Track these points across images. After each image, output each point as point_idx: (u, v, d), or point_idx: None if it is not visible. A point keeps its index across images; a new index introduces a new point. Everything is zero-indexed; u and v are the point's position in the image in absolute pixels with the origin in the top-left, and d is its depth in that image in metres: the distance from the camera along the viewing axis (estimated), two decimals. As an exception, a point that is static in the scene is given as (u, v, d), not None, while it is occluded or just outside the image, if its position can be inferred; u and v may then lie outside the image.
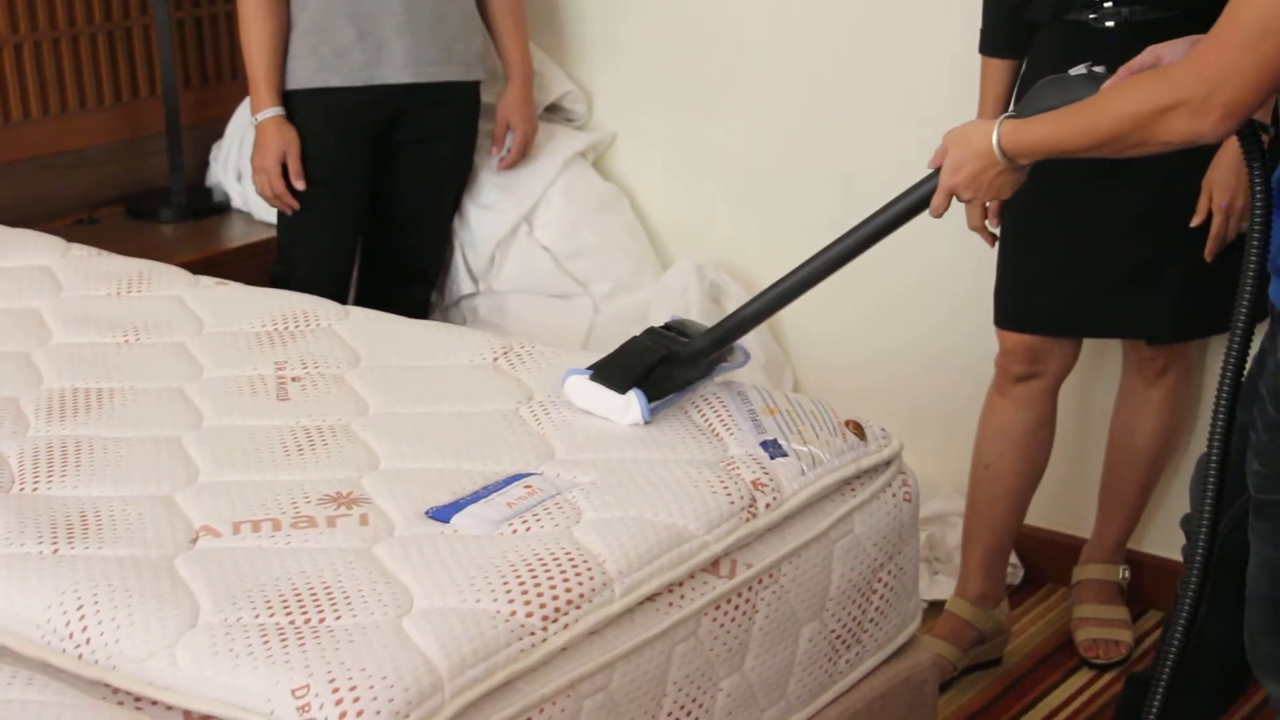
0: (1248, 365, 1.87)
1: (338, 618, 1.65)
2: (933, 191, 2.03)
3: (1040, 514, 3.04)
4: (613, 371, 2.13)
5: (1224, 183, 2.49)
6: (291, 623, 1.64)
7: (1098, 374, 3.04)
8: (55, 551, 1.79)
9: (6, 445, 2.08)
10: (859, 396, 3.03)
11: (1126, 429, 2.89)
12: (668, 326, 2.21)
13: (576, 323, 3.39)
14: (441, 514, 1.87)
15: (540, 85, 3.48)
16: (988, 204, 2.66)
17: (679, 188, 3.52)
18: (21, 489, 1.97)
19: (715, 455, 2.03)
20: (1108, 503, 2.96)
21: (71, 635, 1.67)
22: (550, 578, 1.72)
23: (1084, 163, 2.48)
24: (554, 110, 3.58)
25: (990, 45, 2.71)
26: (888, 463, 2.14)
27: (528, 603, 1.69)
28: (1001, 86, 2.71)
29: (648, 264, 3.49)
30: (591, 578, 1.75)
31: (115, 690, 1.63)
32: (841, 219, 2.25)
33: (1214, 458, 1.85)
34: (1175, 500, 3.05)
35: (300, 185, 3.17)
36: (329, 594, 1.69)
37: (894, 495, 2.13)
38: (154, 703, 1.61)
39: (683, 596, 1.83)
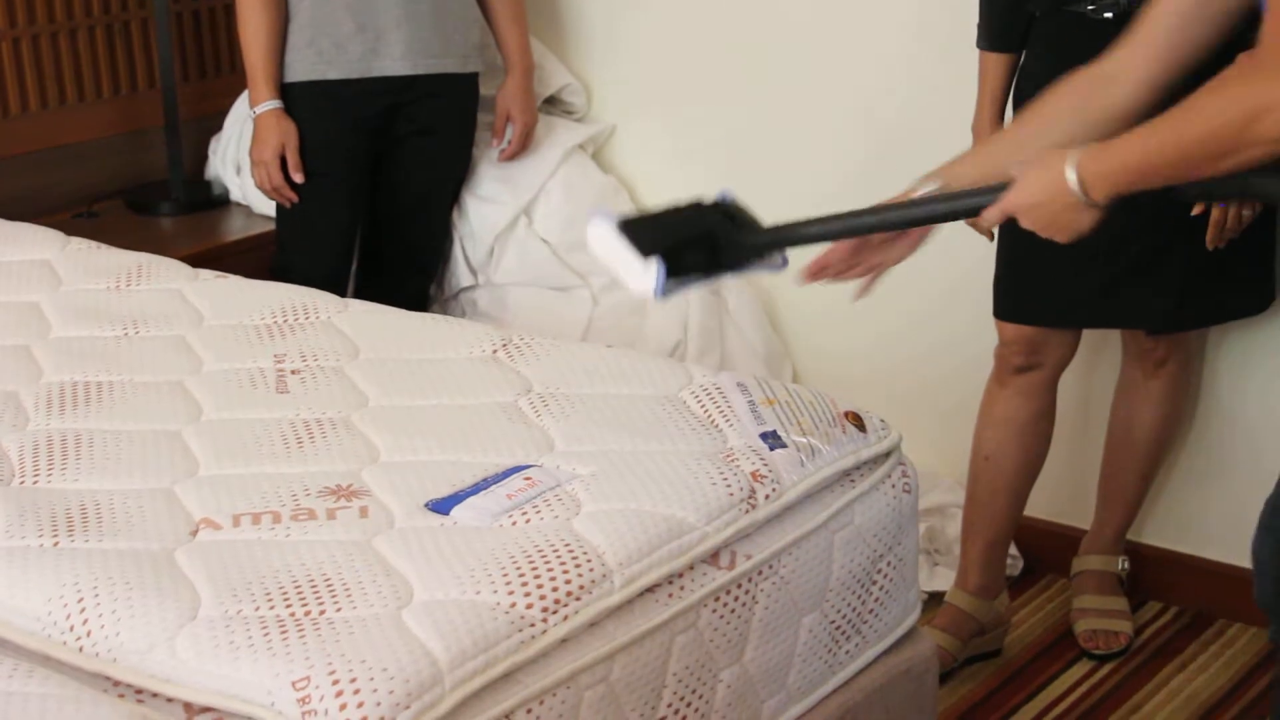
0: None
1: (338, 610, 1.65)
2: (989, 204, 1.81)
3: (1040, 505, 3.04)
4: (643, 231, 1.90)
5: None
6: (292, 615, 1.64)
7: (1097, 365, 3.04)
8: (56, 544, 1.79)
9: (6, 438, 2.08)
10: (858, 388, 3.04)
11: (1126, 420, 2.89)
12: (717, 204, 1.96)
13: (576, 315, 3.39)
14: (441, 506, 1.87)
15: (539, 78, 3.48)
16: None
17: (678, 180, 3.51)
18: (22, 482, 1.97)
19: (714, 447, 2.03)
20: (1107, 494, 2.96)
21: (72, 628, 1.67)
22: (550, 569, 1.73)
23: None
24: (553, 103, 3.57)
25: (987, 39, 2.70)
26: (887, 454, 2.14)
27: (527, 594, 1.69)
28: (1000, 81, 2.70)
29: (647, 256, 3.49)
30: (591, 569, 1.75)
31: (116, 683, 1.63)
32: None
33: None
34: (1175, 491, 3.06)
35: (299, 178, 3.17)
36: (329, 586, 1.69)
37: (893, 487, 2.13)
38: (155, 695, 1.62)
39: (682, 588, 1.84)
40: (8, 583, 1.73)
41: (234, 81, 3.69)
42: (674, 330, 3.33)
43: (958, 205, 1.86)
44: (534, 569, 1.72)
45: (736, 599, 1.89)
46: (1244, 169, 1.63)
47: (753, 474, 1.96)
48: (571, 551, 1.76)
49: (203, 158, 3.78)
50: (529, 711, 1.64)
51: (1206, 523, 3.03)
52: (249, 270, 2.92)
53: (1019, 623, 3.00)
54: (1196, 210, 2.53)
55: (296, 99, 3.17)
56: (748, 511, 1.92)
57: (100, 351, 2.38)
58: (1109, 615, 2.93)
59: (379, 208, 3.34)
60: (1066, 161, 1.71)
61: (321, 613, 1.64)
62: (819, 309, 3.36)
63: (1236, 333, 2.90)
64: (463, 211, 3.45)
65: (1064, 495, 3.12)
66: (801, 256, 1.95)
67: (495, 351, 2.35)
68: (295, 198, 3.20)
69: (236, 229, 3.54)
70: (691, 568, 1.86)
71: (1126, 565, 2.99)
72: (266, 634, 1.61)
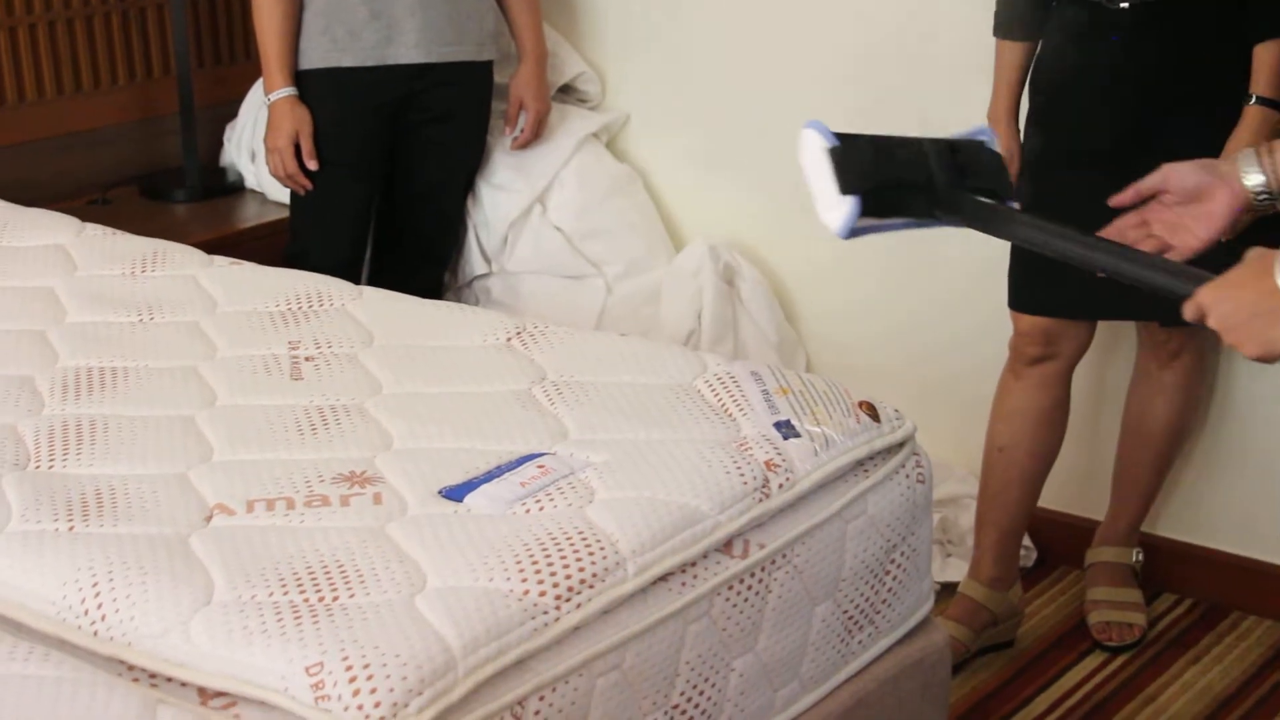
0: None
1: (351, 596, 1.65)
2: (1189, 296, 1.60)
3: (1054, 496, 3.04)
4: (853, 160, 1.70)
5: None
6: (305, 601, 1.64)
7: (1112, 356, 3.03)
8: (71, 529, 1.79)
9: (22, 423, 2.09)
10: (872, 378, 3.03)
11: (1141, 411, 2.88)
12: (955, 148, 1.76)
13: (589, 304, 3.39)
14: (455, 493, 1.87)
15: (553, 66, 3.47)
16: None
17: (692, 169, 3.52)
18: (37, 467, 1.97)
19: (728, 435, 2.03)
20: (1121, 485, 2.96)
21: (87, 612, 1.67)
22: (563, 557, 1.73)
23: (1098, 148, 2.47)
24: (567, 91, 3.57)
25: (1004, 28, 2.70)
26: (901, 444, 2.14)
27: (540, 582, 1.69)
28: (1016, 69, 2.70)
29: (661, 245, 3.49)
30: (605, 557, 1.75)
31: (130, 667, 1.64)
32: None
33: None
34: (1190, 483, 3.05)
35: (313, 165, 3.17)
36: (342, 572, 1.69)
37: (907, 477, 2.13)
38: (169, 679, 1.62)
39: (696, 577, 1.83)
40: (23, 567, 1.74)
41: (249, 69, 3.70)
42: (688, 319, 3.33)
43: (1159, 282, 1.66)
44: (547, 557, 1.72)
45: (750, 588, 1.88)
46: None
47: (766, 463, 1.96)
48: (585, 539, 1.76)
49: (217, 144, 3.78)
50: (542, 699, 1.64)
51: (1221, 515, 3.02)
52: (263, 257, 2.92)
53: (1032, 614, 3.00)
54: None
55: (311, 86, 3.17)
56: (761, 500, 1.92)
57: (115, 337, 2.39)
58: (1123, 607, 2.93)
59: (393, 195, 3.34)
60: (1274, 274, 1.48)
61: (335, 599, 1.65)
62: (833, 300, 3.36)
63: (1252, 325, 2.89)
64: (477, 199, 3.45)
65: (1078, 486, 3.12)
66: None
67: (509, 339, 2.35)
68: (309, 185, 3.20)
69: (251, 216, 3.55)
70: (705, 556, 1.86)
71: (1140, 557, 2.98)
72: (280, 620, 1.61)
